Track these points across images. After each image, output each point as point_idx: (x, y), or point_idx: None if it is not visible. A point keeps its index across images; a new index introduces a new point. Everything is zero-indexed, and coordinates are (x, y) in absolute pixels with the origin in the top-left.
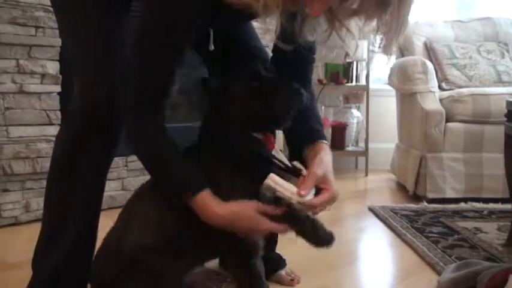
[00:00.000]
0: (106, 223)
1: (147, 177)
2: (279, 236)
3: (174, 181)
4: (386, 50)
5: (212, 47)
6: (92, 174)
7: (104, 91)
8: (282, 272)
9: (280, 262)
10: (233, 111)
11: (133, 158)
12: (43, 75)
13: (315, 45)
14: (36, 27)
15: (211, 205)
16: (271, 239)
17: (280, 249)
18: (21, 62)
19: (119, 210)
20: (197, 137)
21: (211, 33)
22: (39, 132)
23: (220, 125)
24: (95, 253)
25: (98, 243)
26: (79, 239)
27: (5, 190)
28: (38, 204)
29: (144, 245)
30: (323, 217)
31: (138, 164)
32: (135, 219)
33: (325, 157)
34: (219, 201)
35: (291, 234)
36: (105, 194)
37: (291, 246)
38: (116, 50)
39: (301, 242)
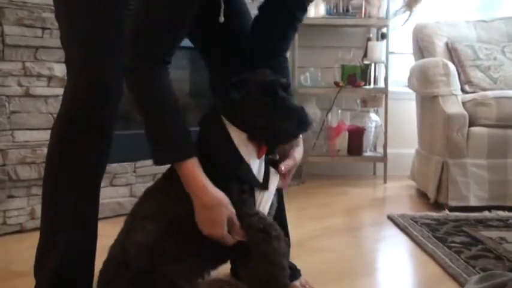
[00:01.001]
0: (113, 231)
1: None
2: (292, 243)
3: (169, 139)
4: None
5: (222, 19)
6: (82, 166)
7: (100, 75)
8: (297, 283)
9: (294, 272)
10: (241, 117)
11: (142, 163)
12: (50, 78)
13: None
14: (43, 29)
15: (201, 177)
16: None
17: (294, 258)
18: (27, 64)
19: (117, 219)
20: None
21: (222, 3)
22: (45, 137)
23: (220, 127)
24: (103, 264)
25: (103, 250)
26: (75, 239)
27: (10, 196)
28: None
29: (149, 246)
30: (341, 227)
31: (147, 170)
32: (138, 221)
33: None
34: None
35: (308, 243)
36: (113, 200)
37: (306, 256)
38: (112, 38)
39: (318, 252)
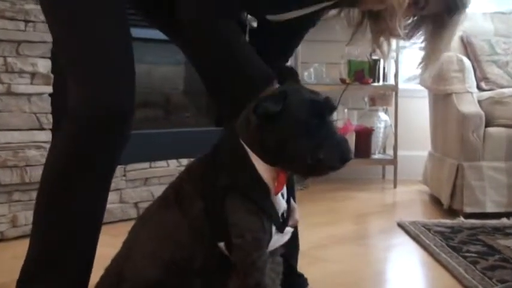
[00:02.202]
0: (101, 240)
1: (148, 188)
2: (300, 254)
3: None
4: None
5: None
6: (96, 190)
7: (122, 97)
8: None
9: (301, 282)
10: (271, 140)
11: (132, 167)
12: (33, 75)
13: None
14: (26, 22)
15: None
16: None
17: (301, 268)
18: (9, 59)
19: (116, 226)
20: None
21: (248, 24)
22: (28, 138)
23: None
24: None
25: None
26: (79, 263)
27: None
28: (26, 218)
29: (146, 277)
30: (348, 235)
31: (138, 174)
32: (137, 246)
33: None
34: None
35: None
36: None
37: (308, 267)
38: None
39: (322, 262)
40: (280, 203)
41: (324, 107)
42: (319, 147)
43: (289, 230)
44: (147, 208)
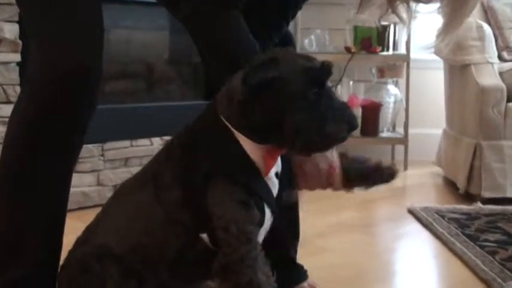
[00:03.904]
0: (78, 226)
1: (128, 169)
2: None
3: None
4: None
5: None
6: (57, 169)
7: (84, 54)
8: (304, 284)
9: (300, 274)
10: (262, 114)
11: (111, 145)
12: None
13: None
14: None
15: None
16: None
17: (301, 258)
18: None
19: (93, 211)
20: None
21: None
22: None
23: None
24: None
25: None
26: (46, 242)
27: None
28: None
29: (108, 251)
30: (353, 222)
31: (117, 153)
32: (106, 219)
33: None
34: None
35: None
36: (77, 190)
37: (309, 257)
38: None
39: (324, 252)
40: (274, 182)
41: (321, 74)
42: (324, 118)
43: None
44: (123, 184)
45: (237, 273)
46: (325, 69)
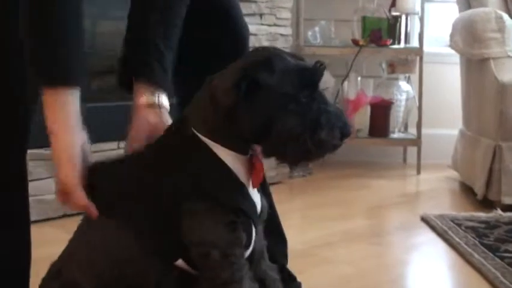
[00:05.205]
0: (60, 236)
1: None
2: (294, 253)
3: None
4: None
5: None
6: None
7: None
8: None
9: (293, 286)
10: (252, 120)
11: (97, 147)
12: None
13: None
14: None
15: (75, 114)
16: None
17: (298, 272)
18: None
19: (75, 219)
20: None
21: None
22: None
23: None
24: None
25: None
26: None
27: None
28: None
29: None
30: (361, 231)
31: (102, 157)
32: (77, 248)
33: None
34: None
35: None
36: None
37: (313, 269)
38: None
39: (330, 264)
40: (256, 196)
41: (314, 75)
42: (318, 124)
43: None
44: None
45: None
46: (318, 69)
